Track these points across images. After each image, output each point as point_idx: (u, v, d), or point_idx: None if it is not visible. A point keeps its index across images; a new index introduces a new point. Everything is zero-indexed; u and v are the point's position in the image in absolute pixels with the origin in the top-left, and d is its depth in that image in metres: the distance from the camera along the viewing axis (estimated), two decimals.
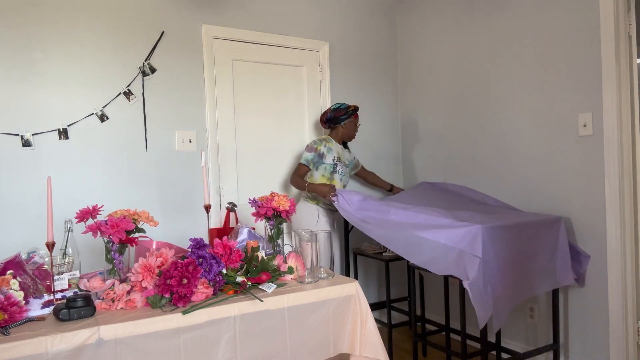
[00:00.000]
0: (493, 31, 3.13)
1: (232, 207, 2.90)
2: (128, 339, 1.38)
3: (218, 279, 1.63)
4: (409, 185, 3.87)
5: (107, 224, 1.57)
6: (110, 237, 1.56)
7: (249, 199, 2.12)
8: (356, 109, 3.18)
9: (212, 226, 2.92)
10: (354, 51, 3.68)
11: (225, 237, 1.82)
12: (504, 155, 3.09)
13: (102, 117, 2.70)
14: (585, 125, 2.63)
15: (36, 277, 1.71)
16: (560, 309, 2.78)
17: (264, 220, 2.05)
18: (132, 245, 1.65)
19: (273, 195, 2.04)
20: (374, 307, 3.13)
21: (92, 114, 2.68)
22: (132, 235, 1.63)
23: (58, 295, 1.58)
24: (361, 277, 3.67)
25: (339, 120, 3.14)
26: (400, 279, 3.84)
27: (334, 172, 3.07)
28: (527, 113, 2.94)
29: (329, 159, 3.05)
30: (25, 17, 2.51)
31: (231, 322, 1.54)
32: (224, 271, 1.68)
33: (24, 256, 1.81)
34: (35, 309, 1.48)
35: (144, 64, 2.82)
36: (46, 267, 1.82)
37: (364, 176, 3.51)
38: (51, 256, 1.55)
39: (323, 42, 3.52)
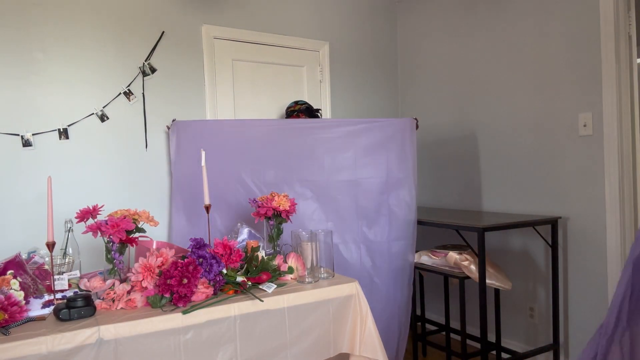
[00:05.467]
0: (493, 31, 3.13)
1: None
2: (128, 338, 1.38)
3: (218, 279, 1.63)
4: None
5: (107, 223, 1.57)
6: (111, 237, 1.56)
7: (249, 199, 2.12)
8: (295, 110, 3.03)
9: None
10: (354, 51, 3.68)
11: (225, 237, 1.82)
12: (504, 155, 3.09)
13: (103, 117, 2.70)
14: (585, 125, 2.63)
15: (36, 277, 1.72)
16: (560, 309, 2.78)
17: (264, 220, 2.06)
18: (132, 245, 1.65)
19: (273, 195, 2.04)
20: None
21: (93, 113, 2.68)
22: (132, 235, 1.63)
23: (58, 295, 1.58)
24: None
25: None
26: None
27: None
28: (527, 113, 2.94)
29: None
30: (26, 17, 2.51)
31: (231, 322, 1.54)
32: (224, 271, 1.68)
33: (24, 256, 1.81)
34: (36, 308, 1.48)
35: (144, 64, 2.82)
36: (46, 267, 1.82)
37: None
38: (51, 256, 1.56)
39: (323, 42, 3.52)
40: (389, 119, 2.86)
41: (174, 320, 1.45)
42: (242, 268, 1.79)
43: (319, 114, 3.13)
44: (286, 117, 3.10)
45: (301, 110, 3.04)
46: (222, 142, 2.69)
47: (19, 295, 1.42)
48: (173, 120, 2.77)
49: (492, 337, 3.02)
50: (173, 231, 2.70)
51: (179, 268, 1.51)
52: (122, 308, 1.51)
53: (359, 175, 2.74)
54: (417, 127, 2.86)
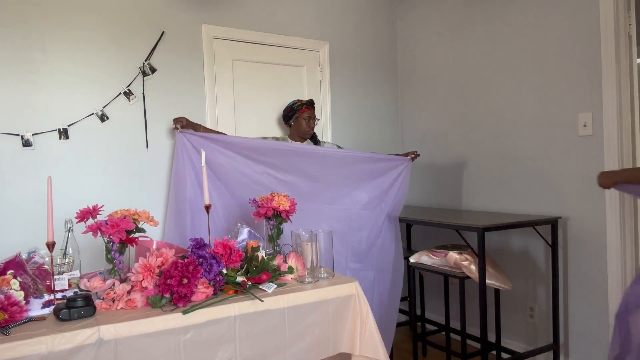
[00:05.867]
0: (493, 31, 3.13)
1: None
2: (128, 338, 1.38)
3: (218, 279, 1.63)
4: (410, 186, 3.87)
5: (107, 223, 1.57)
6: (111, 237, 1.56)
7: (249, 199, 2.12)
8: (304, 104, 3.04)
9: None
10: (354, 51, 3.68)
11: (225, 237, 1.82)
12: (504, 155, 3.09)
13: (103, 117, 2.70)
14: (585, 125, 2.63)
15: (36, 277, 1.72)
16: (560, 309, 2.78)
17: (264, 220, 2.05)
18: (133, 245, 1.65)
19: (273, 195, 2.04)
20: None
21: (93, 114, 2.68)
22: (132, 235, 1.63)
23: (58, 295, 1.58)
24: None
25: (287, 119, 3.10)
26: None
27: None
28: (527, 113, 2.94)
29: None
30: (25, 17, 2.50)
31: (231, 322, 1.54)
32: (224, 271, 1.68)
33: (24, 256, 1.81)
34: (36, 308, 1.48)
35: (144, 63, 2.82)
36: (46, 267, 1.82)
37: None
38: (51, 256, 1.55)
39: (323, 42, 3.52)
40: (388, 158, 2.97)
41: (174, 320, 1.45)
42: (242, 268, 1.79)
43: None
44: (287, 114, 3.09)
45: (310, 103, 3.04)
46: (224, 155, 2.69)
47: (19, 295, 1.41)
48: (175, 119, 2.70)
49: (492, 337, 3.02)
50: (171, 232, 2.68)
51: (179, 268, 1.51)
52: (122, 308, 1.51)
53: (352, 200, 2.88)
54: (413, 159, 3.00)
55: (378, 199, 2.92)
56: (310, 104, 3.05)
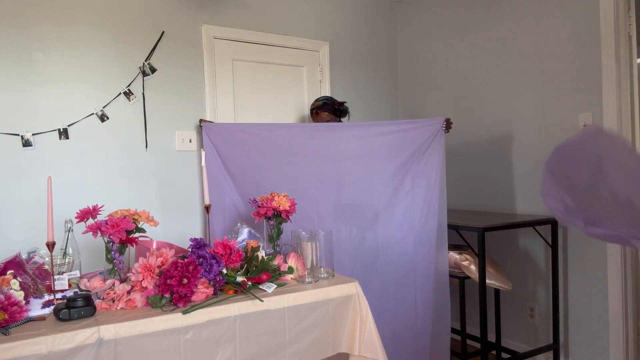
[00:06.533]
0: (493, 30, 3.13)
1: None
2: (128, 338, 1.38)
3: (218, 279, 1.63)
4: None
5: (107, 223, 1.57)
6: (111, 237, 1.56)
7: (249, 199, 2.12)
8: (313, 108, 2.99)
9: None
10: (354, 51, 3.68)
11: (225, 237, 1.82)
12: (504, 155, 3.09)
13: (103, 117, 2.70)
14: (585, 125, 2.63)
15: (36, 277, 1.72)
16: (560, 309, 2.78)
17: (264, 220, 2.05)
18: (133, 245, 1.65)
19: (273, 195, 2.04)
20: None
21: (93, 113, 2.68)
22: (132, 235, 1.63)
23: (58, 295, 1.58)
24: None
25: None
26: None
27: None
28: (527, 113, 2.94)
29: None
30: (25, 17, 2.51)
31: (231, 322, 1.54)
32: (224, 271, 1.68)
33: (24, 256, 1.81)
34: (36, 308, 1.48)
35: (144, 63, 2.82)
36: (46, 267, 1.82)
37: None
38: (51, 256, 1.56)
39: (323, 42, 3.52)
40: (414, 121, 2.67)
41: (174, 320, 1.45)
42: (242, 268, 1.79)
43: (342, 108, 2.97)
44: (310, 116, 3.06)
45: (319, 107, 2.97)
46: (251, 144, 2.70)
47: (19, 295, 1.41)
48: (200, 120, 2.80)
49: (492, 337, 3.02)
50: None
51: (179, 268, 1.51)
52: (122, 308, 1.51)
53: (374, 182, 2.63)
54: (447, 129, 2.62)
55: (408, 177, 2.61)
56: (319, 108, 2.95)
